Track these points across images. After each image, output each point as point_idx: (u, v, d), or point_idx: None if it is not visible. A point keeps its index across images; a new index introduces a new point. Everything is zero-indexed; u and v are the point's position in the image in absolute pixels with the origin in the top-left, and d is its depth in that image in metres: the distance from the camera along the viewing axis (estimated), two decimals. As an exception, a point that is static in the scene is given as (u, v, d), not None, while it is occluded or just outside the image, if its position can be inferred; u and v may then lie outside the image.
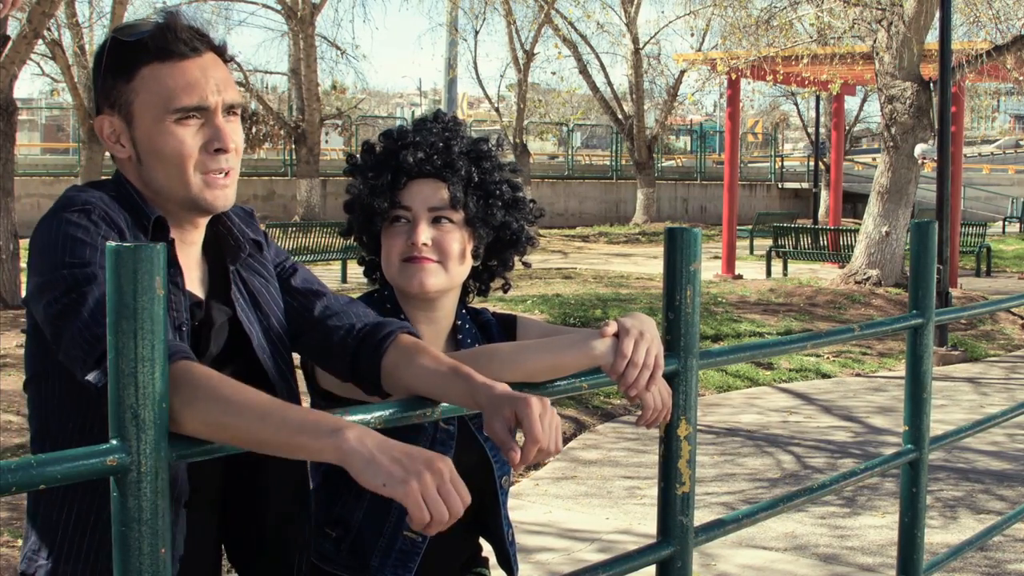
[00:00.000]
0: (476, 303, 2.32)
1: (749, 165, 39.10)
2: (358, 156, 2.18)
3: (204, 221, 1.81)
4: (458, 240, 2.10)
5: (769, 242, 18.69)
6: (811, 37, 17.59)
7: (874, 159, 30.66)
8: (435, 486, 1.37)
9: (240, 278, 1.85)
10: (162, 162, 1.72)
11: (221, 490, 1.84)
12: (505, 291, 2.31)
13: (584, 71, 27.67)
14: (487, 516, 2.21)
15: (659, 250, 19.08)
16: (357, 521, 2.09)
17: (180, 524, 1.68)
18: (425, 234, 2.08)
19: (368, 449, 1.38)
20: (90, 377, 1.50)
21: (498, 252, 2.21)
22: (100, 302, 1.53)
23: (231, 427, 1.44)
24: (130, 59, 1.71)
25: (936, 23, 12.84)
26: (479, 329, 2.23)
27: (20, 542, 4.78)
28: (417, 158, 2.09)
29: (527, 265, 2.37)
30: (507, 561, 2.25)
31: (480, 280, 2.25)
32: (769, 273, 17.70)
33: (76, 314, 1.54)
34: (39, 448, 1.72)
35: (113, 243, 1.29)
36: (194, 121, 1.72)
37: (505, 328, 2.23)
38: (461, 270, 2.13)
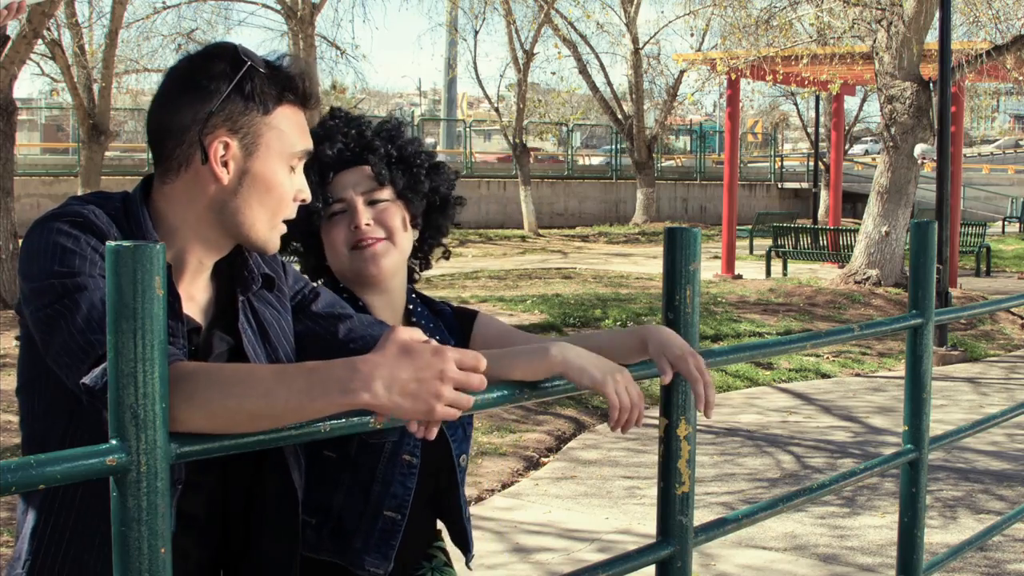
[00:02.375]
0: (440, 297, 2.38)
1: (749, 165, 39.10)
2: None
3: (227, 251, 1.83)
4: (396, 213, 2.20)
5: (769, 242, 18.69)
6: (811, 37, 17.60)
7: (873, 159, 30.67)
8: (448, 386, 1.44)
9: (251, 308, 1.85)
10: (266, 198, 1.76)
11: (212, 515, 1.83)
12: (446, 258, 2.43)
13: (584, 71, 27.66)
14: (445, 494, 2.28)
15: (659, 250, 19.06)
16: (337, 506, 2.14)
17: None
18: (366, 216, 2.17)
19: (383, 397, 1.42)
20: (86, 380, 1.50)
21: (431, 220, 2.31)
22: (91, 309, 1.55)
23: (242, 409, 1.44)
24: (272, 94, 1.75)
25: (936, 23, 12.83)
26: (434, 315, 2.31)
27: (20, 542, 4.78)
28: (336, 150, 2.17)
29: (446, 257, 2.48)
30: (463, 538, 2.32)
31: (420, 254, 2.35)
32: (769, 273, 17.70)
33: (67, 320, 1.55)
34: (27, 454, 1.72)
35: (113, 243, 1.29)
36: (295, 169, 1.80)
37: (461, 320, 2.30)
38: (407, 239, 2.23)
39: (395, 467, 2.15)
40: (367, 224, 2.16)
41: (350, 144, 2.19)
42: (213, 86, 1.71)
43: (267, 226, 1.77)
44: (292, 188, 1.78)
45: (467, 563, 2.34)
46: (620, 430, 1.81)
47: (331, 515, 2.14)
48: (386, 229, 2.18)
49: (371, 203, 2.18)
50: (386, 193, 2.19)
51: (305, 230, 2.21)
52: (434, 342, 1.49)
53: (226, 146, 1.72)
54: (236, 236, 1.77)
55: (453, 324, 2.29)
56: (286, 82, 1.77)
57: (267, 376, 1.47)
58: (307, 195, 1.81)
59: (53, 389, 1.67)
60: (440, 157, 2.36)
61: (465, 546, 2.32)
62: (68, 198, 1.74)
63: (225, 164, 1.72)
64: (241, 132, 1.73)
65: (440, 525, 2.38)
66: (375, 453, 2.14)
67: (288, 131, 1.77)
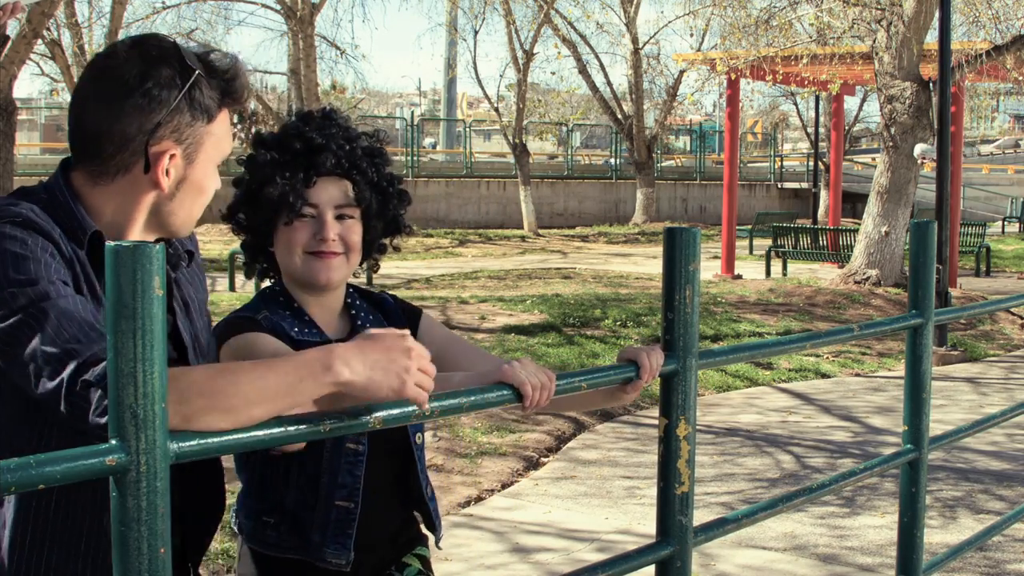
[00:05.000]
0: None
1: (749, 165, 39.08)
2: (269, 153, 2.23)
3: None
4: (358, 233, 2.27)
5: (768, 242, 18.69)
6: (810, 37, 17.59)
7: (873, 159, 30.66)
8: (415, 363, 1.55)
9: (178, 286, 1.88)
10: (198, 200, 1.80)
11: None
12: (375, 271, 2.46)
13: (584, 71, 27.65)
14: (406, 475, 2.32)
15: (658, 250, 18.95)
16: (290, 503, 2.19)
17: None
18: (334, 230, 2.22)
19: (361, 373, 1.52)
20: (88, 377, 1.49)
21: (380, 238, 2.38)
22: (60, 318, 1.53)
23: (239, 403, 1.46)
24: (214, 100, 1.75)
25: (936, 23, 12.83)
26: (374, 308, 2.37)
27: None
28: (330, 161, 2.21)
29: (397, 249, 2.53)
30: (429, 519, 2.37)
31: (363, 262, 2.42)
32: (768, 273, 17.70)
33: (35, 330, 1.53)
34: None
35: (112, 243, 1.29)
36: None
37: (408, 316, 2.37)
38: (358, 259, 2.30)
39: (340, 456, 2.19)
40: (333, 239, 2.21)
41: (341, 159, 2.22)
42: (163, 95, 1.69)
43: (192, 222, 1.83)
44: (217, 186, 1.83)
45: (436, 543, 2.40)
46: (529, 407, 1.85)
47: (286, 512, 2.19)
48: (346, 246, 2.24)
49: (339, 217, 2.23)
50: (355, 212, 2.25)
51: (269, 222, 2.24)
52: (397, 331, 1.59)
53: (171, 157, 1.72)
54: (163, 232, 1.81)
55: (397, 316, 2.35)
56: (226, 87, 1.76)
57: (252, 368, 1.51)
58: (218, 187, 1.85)
59: (15, 397, 1.64)
60: (402, 181, 2.42)
61: (432, 526, 2.37)
62: (8, 205, 1.69)
63: (168, 172, 1.73)
64: (186, 143, 1.73)
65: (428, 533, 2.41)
66: (319, 445, 2.17)
67: (223, 136, 1.79)
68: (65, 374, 1.50)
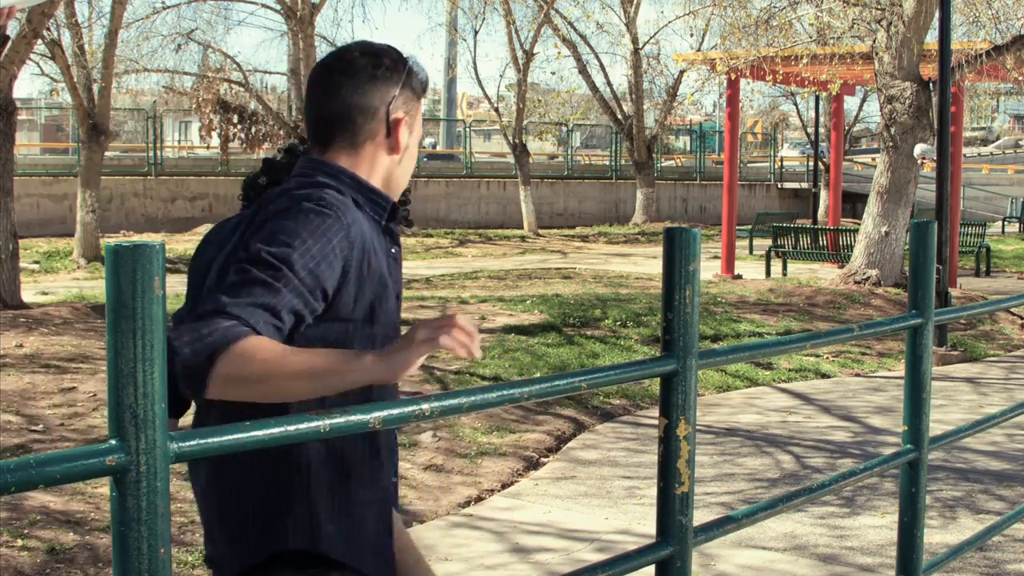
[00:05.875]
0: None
1: (749, 165, 39.07)
2: None
3: None
4: None
5: (768, 242, 18.68)
6: (810, 37, 17.59)
7: (873, 159, 30.66)
8: (451, 327, 1.76)
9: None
10: (410, 168, 2.18)
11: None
12: None
13: (583, 71, 27.65)
14: None
15: (658, 250, 18.91)
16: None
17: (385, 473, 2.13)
18: None
19: (382, 355, 1.76)
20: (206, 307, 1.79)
21: None
22: (264, 294, 1.82)
23: (282, 392, 1.76)
24: (419, 90, 2.16)
25: (936, 23, 12.83)
26: None
27: (20, 541, 4.76)
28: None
29: None
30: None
31: None
32: (768, 273, 17.70)
33: (266, 290, 1.82)
34: None
35: (112, 243, 1.29)
36: None
37: None
38: None
39: None
40: None
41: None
42: (394, 77, 2.10)
43: (401, 190, 2.18)
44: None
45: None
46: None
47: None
48: None
49: None
50: None
51: None
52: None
53: (404, 123, 2.10)
54: (389, 191, 2.13)
55: None
56: (423, 79, 2.17)
57: (306, 359, 1.78)
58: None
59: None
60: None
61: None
62: (313, 191, 2.00)
63: (400, 135, 2.10)
64: (410, 114, 2.12)
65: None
66: None
67: (419, 119, 2.17)
68: (211, 305, 1.78)
